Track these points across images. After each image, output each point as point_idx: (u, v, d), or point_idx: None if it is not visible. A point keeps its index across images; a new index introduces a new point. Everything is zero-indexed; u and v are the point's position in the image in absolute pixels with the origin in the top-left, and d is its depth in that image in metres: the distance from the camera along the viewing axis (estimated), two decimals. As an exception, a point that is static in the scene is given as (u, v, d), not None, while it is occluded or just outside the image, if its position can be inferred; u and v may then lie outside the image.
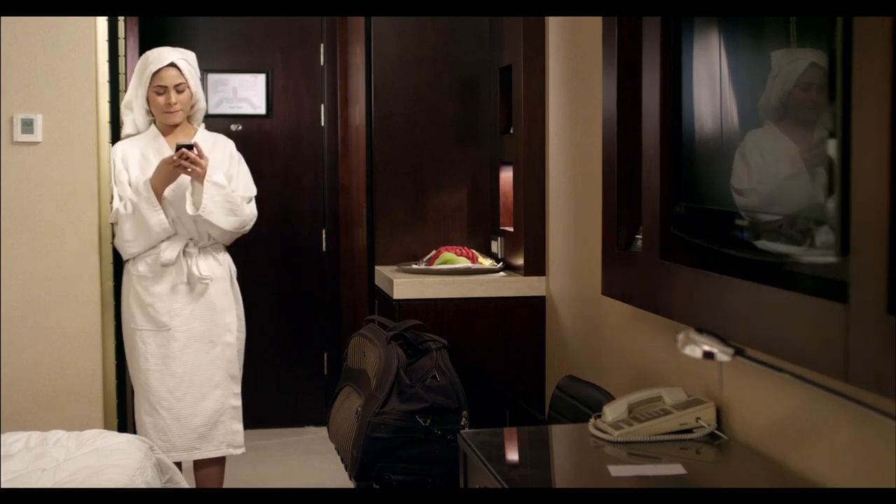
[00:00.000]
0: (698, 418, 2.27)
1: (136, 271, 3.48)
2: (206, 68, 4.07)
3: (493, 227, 4.07)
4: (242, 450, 3.59)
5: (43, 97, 3.55)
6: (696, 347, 1.80)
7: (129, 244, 3.46)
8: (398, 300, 3.57)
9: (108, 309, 3.62)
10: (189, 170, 3.38)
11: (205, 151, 3.49)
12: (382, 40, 4.04)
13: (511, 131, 3.79)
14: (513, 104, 3.75)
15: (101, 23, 3.60)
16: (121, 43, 3.85)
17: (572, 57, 3.28)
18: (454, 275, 3.68)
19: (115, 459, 2.72)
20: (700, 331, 1.82)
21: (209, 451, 3.51)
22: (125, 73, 3.94)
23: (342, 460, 3.11)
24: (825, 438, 1.91)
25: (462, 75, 4.09)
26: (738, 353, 1.77)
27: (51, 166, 3.56)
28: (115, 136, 3.65)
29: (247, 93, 5.07)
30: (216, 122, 4.84)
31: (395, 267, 3.93)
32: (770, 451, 2.10)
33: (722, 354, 1.77)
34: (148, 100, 3.51)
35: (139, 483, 2.64)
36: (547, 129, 3.55)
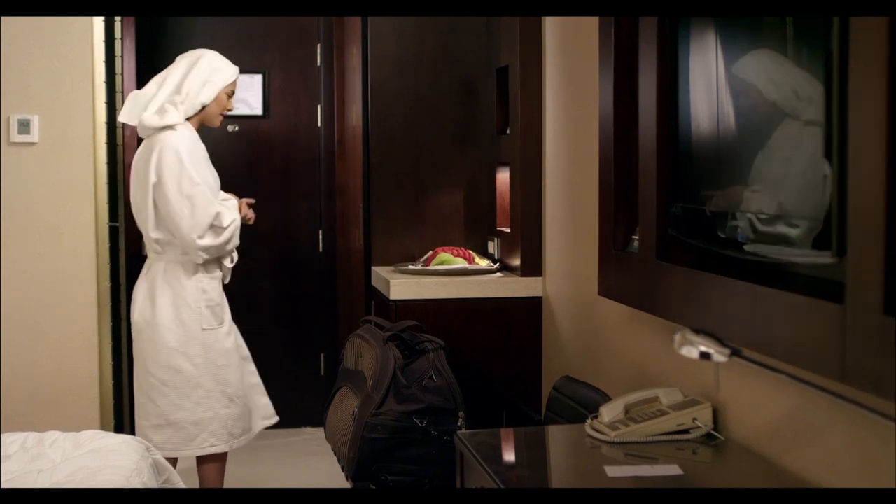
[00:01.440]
0: (695, 419, 2.27)
1: (212, 275, 3.51)
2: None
3: (489, 227, 4.07)
4: (276, 418, 3.71)
5: (40, 98, 3.55)
6: (693, 348, 1.79)
7: (230, 251, 3.53)
8: (395, 301, 3.57)
9: (105, 310, 3.62)
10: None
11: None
12: (380, 41, 4.04)
13: (508, 132, 3.79)
14: (509, 105, 3.74)
15: (98, 23, 3.60)
16: (117, 44, 3.84)
17: (569, 57, 3.28)
18: (451, 275, 3.68)
19: (112, 460, 2.72)
20: (697, 331, 1.82)
21: (257, 427, 3.64)
22: (122, 74, 3.93)
23: (339, 461, 3.11)
24: (821, 439, 1.91)
25: (460, 76, 4.08)
26: (735, 353, 1.77)
27: (48, 167, 3.56)
28: (112, 138, 3.64)
29: (244, 93, 5.05)
30: (213, 123, 4.83)
31: (391, 268, 3.93)
32: (766, 451, 2.10)
33: (718, 355, 1.77)
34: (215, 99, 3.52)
35: (136, 483, 2.64)
36: (543, 130, 3.55)
